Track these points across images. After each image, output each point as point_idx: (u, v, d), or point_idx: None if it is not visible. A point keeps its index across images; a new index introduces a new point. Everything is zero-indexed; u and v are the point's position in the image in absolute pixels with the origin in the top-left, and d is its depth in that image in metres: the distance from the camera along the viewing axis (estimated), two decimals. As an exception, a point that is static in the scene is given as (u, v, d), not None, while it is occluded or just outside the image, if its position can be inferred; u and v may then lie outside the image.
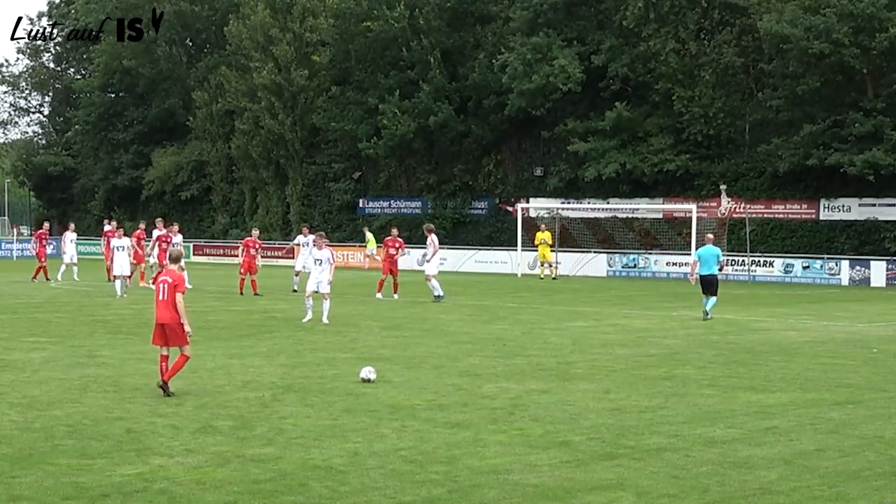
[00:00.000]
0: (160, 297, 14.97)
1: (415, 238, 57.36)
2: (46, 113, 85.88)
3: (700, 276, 27.57)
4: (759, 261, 47.49)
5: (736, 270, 47.67)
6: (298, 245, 37.63)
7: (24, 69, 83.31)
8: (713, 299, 27.32)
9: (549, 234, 47.71)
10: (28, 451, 11.34)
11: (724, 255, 47.02)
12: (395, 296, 33.43)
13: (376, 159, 59.70)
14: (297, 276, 35.80)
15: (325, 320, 24.98)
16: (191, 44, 73.44)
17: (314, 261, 26.10)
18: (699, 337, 23.30)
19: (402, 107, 55.95)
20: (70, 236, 41.91)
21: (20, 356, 18.86)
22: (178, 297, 14.85)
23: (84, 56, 79.46)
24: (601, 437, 12.37)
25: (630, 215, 52.28)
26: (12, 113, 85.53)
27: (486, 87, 55.24)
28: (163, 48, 69.93)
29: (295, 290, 34.34)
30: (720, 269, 28.35)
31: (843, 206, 47.89)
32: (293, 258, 42.68)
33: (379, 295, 33.44)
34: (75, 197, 78.55)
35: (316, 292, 25.55)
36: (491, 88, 55.00)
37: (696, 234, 45.30)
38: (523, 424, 13.05)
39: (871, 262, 45.15)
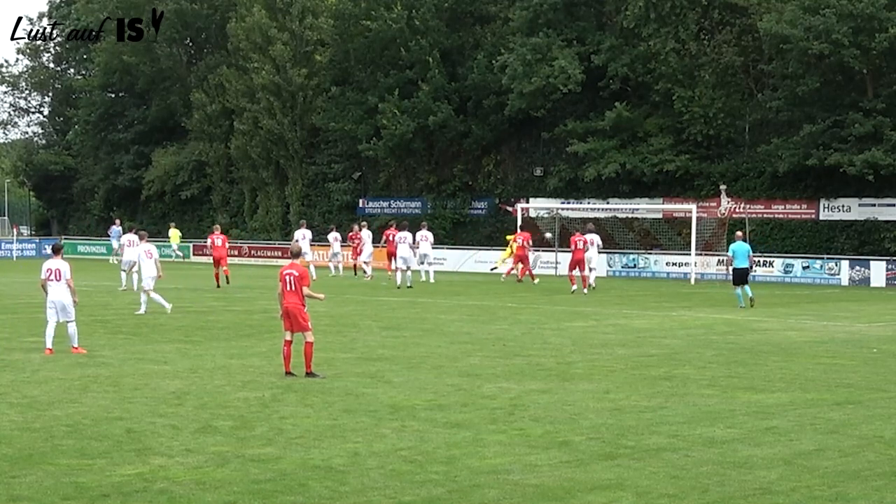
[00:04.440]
0: (288, 288, 16.77)
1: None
2: (46, 113, 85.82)
3: (734, 269, 31.40)
4: (759, 261, 47.48)
5: (736, 270, 47.62)
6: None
7: (24, 69, 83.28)
8: (747, 288, 31.20)
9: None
10: (28, 451, 11.34)
11: (724, 254, 47.60)
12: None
13: (376, 159, 59.69)
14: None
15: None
16: (191, 43, 73.39)
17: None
18: (699, 337, 23.30)
19: (401, 107, 55.94)
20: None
21: (20, 356, 18.87)
22: (305, 290, 16.73)
23: (84, 56, 79.43)
24: (601, 437, 12.37)
25: (630, 215, 52.23)
26: (12, 113, 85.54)
27: (486, 87, 55.22)
28: (163, 47, 69.90)
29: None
30: (751, 265, 32.59)
31: (843, 206, 47.86)
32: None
33: None
34: (75, 197, 78.52)
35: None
36: (491, 88, 54.98)
37: (696, 234, 45.32)
38: (523, 424, 13.05)
39: (871, 262, 45.11)
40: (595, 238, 39.09)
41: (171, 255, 56.54)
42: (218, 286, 37.36)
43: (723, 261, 47.63)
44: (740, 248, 31.42)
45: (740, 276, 31.24)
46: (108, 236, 46.73)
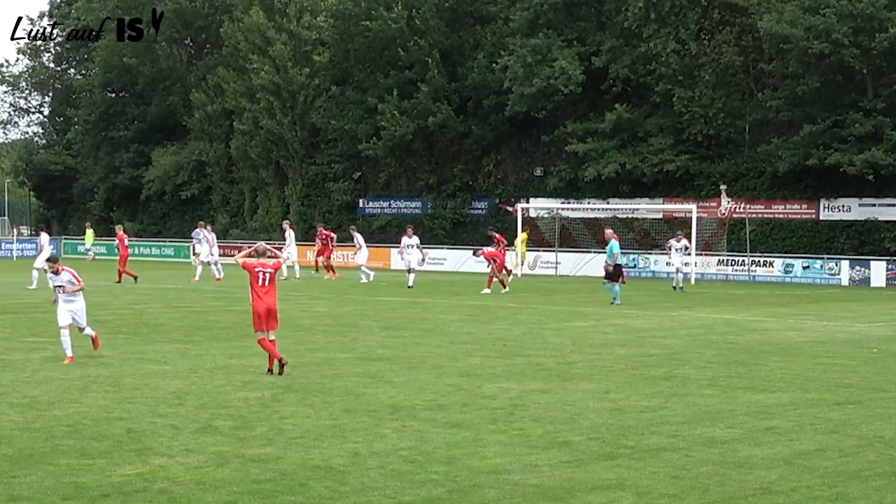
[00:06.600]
0: (260, 283, 16.62)
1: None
2: (46, 113, 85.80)
3: (617, 265, 33.15)
4: (759, 261, 47.49)
5: (736, 270, 47.67)
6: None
7: (24, 69, 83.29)
8: (617, 286, 32.66)
9: (525, 235, 47.72)
10: (28, 451, 11.33)
11: (724, 254, 47.87)
12: None
13: (376, 159, 59.69)
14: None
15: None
16: (190, 43, 73.37)
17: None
18: (699, 337, 23.30)
19: (401, 107, 55.92)
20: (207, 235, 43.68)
21: (20, 356, 18.86)
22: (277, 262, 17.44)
23: (84, 56, 79.42)
24: (601, 437, 12.37)
25: (630, 215, 52.24)
26: (12, 113, 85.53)
27: (486, 87, 55.21)
28: (163, 47, 69.90)
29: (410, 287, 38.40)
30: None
31: (843, 206, 47.87)
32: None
33: None
34: (75, 197, 78.49)
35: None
36: (491, 89, 54.97)
37: (696, 234, 45.34)
38: (523, 424, 13.05)
39: (871, 262, 45.13)
40: (681, 243, 40.60)
41: (85, 254, 62.19)
42: (119, 281, 39.55)
43: (723, 261, 47.96)
44: (618, 246, 33.46)
45: (620, 273, 33.41)
46: (192, 238, 47.43)
